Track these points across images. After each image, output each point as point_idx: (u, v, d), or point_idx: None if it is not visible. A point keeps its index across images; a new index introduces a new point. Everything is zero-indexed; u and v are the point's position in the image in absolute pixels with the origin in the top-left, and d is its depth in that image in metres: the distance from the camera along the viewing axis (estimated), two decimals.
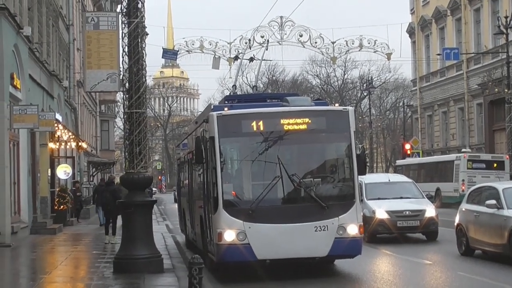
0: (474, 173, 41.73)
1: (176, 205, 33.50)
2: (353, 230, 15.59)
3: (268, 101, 17.96)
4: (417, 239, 24.16)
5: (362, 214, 16.53)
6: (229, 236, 15.22)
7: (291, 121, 15.85)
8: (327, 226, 15.39)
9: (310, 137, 16.18)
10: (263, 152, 15.63)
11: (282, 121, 15.84)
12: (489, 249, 18.20)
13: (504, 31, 41.78)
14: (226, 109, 16.16)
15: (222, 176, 15.41)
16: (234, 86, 26.76)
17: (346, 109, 16.57)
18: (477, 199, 19.25)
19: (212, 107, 17.24)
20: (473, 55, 53.55)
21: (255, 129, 15.75)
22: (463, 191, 39.23)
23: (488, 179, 36.98)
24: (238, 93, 47.61)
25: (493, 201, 17.84)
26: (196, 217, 19.27)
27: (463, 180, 41.94)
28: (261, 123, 15.75)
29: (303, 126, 15.92)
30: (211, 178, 15.79)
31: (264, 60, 33.45)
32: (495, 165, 42.11)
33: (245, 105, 17.05)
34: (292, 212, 15.49)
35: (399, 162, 57.26)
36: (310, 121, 15.97)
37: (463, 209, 19.78)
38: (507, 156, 42.13)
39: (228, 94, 38.45)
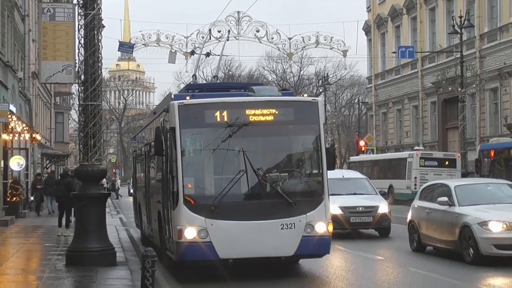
0: (427, 171, 42.13)
1: (131, 198, 33.23)
2: (321, 228, 14.75)
3: (232, 90, 16.82)
4: (370, 235, 24.34)
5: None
6: (190, 233, 14.29)
7: (257, 111, 14.84)
8: (294, 223, 14.55)
9: (277, 129, 15.25)
10: (227, 145, 14.64)
11: (247, 111, 14.82)
12: (440, 246, 18.42)
13: (459, 30, 42.22)
14: (188, 98, 15.14)
15: (183, 169, 14.42)
16: (194, 75, 25.81)
17: (315, 99, 15.69)
18: (429, 196, 19.45)
19: (172, 96, 16.44)
20: (428, 53, 54.12)
21: (219, 119, 14.72)
22: (415, 188, 39.63)
23: (440, 177, 37.35)
24: None
25: (445, 198, 18.02)
26: (153, 212, 18.40)
27: (415, 178, 42.35)
28: (225, 113, 14.72)
29: (270, 117, 14.91)
30: (171, 171, 14.81)
31: (224, 56, 33.14)
32: (447, 163, 42.54)
33: (207, 94, 16.00)
34: (257, 209, 14.63)
35: (353, 158, 57.60)
36: (277, 112, 14.96)
37: (415, 206, 19.99)
38: (459, 154, 42.60)
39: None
